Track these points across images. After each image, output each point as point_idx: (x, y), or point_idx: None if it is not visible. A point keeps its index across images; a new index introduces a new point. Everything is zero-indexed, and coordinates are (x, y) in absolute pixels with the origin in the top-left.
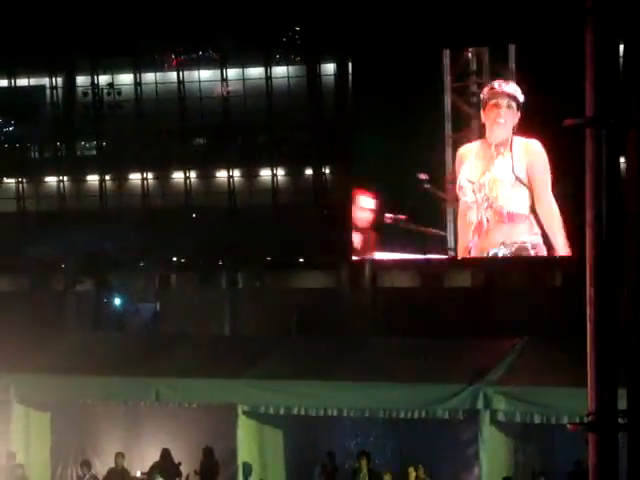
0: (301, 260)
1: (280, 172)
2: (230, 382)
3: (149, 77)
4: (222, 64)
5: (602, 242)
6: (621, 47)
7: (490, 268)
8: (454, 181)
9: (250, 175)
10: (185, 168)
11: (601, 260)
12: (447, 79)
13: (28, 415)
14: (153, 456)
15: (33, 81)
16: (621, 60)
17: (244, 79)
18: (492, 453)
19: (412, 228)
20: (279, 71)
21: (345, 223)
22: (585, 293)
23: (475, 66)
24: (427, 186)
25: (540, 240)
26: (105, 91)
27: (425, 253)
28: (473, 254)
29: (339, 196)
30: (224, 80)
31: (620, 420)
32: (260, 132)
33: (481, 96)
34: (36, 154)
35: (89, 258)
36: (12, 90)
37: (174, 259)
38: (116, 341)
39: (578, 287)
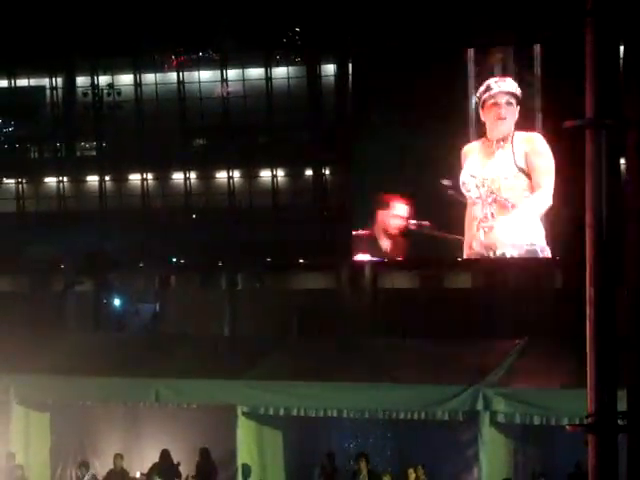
0: (301, 261)
1: (280, 173)
2: (230, 383)
3: (149, 78)
4: (222, 65)
5: (602, 242)
6: (621, 48)
7: (492, 269)
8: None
9: (250, 176)
10: (185, 169)
11: (601, 260)
12: (471, 83)
13: (28, 416)
14: (153, 457)
15: (33, 81)
16: (621, 61)
17: (244, 80)
18: (492, 454)
19: (436, 234)
20: (279, 72)
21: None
22: (585, 294)
23: (500, 70)
24: (451, 192)
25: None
26: (105, 91)
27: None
28: (477, 249)
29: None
30: (224, 81)
31: (620, 422)
32: (260, 133)
33: (478, 95)
34: (36, 154)
35: (89, 258)
36: (12, 90)
37: (174, 260)
38: (116, 342)
39: (578, 288)
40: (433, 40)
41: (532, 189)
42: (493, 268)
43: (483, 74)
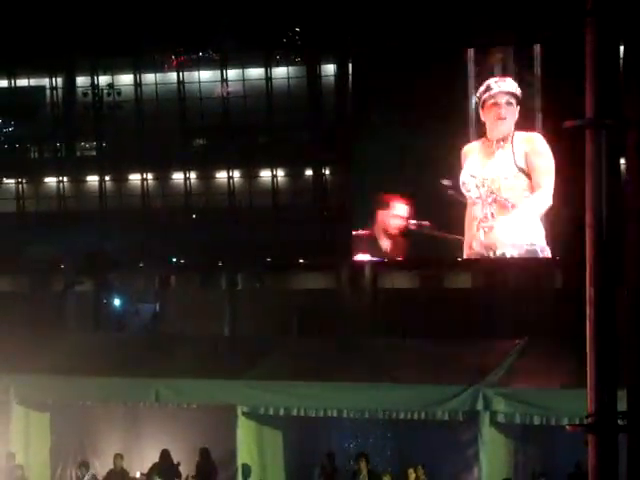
0: (301, 261)
1: (280, 173)
2: (230, 383)
3: (149, 78)
4: (222, 65)
5: (602, 242)
6: (621, 48)
7: (492, 269)
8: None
9: (250, 176)
10: (185, 169)
11: (601, 260)
12: (471, 83)
13: (28, 416)
14: (153, 457)
15: (33, 81)
16: (621, 61)
17: (244, 80)
18: (492, 454)
19: (436, 234)
20: (279, 72)
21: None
22: (585, 294)
23: (500, 70)
24: (451, 192)
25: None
26: (105, 91)
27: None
28: (477, 249)
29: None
30: (224, 81)
31: (620, 421)
32: (260, 133)
33: (478, 95)
34: (36, 154)
35: (89, 258)
36: (12, 90)
37: (174, 260)
38: (116, 342)
39: (578, 288)
40: (433, 40)
41: (532, 189)
42: (493, 268)
43: (483, 74)
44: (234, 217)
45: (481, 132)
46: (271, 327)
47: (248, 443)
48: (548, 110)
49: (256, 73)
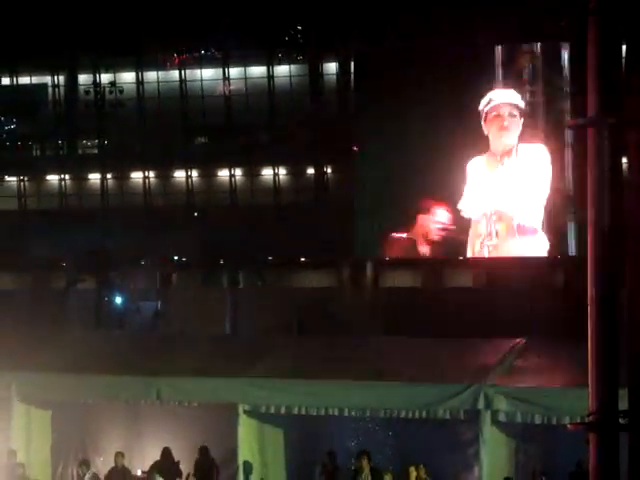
0: (302, 259)
1: (282, 171)
2: (231, 381)
3: (151, 76)
4: (224, 63)
5: (603, 242)
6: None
7: (492, 269)
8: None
9: (252, 174)
10: (187, 167)
11: (602, 260)
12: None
13: (29, 413)
14: (154, 455)
15: (35, 79)
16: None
17: (246, 78)
18: (493, 453)
19: (462, 239)
20: (281, 70)
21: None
22: (586, 293)
23: (530, 75)
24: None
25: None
26: (107, 89)
27: None
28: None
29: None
30: (226, 79)
31: (621, 420)
32: (262, 131)
33: (480, 108)
34: (38, 152)
35: (90, 256)
36: (14, 88)
37: (175, 258)
38: (117, 340)
39: (579, 287)
40: (435, 39)
41: (535, 201)
42: (493, 268)
43: (488, 72)
44: (236, 215)
45: (486, 147)
46: (272, 325)
47: (249, 441)
48: (576, 113)
49: (258, 71)
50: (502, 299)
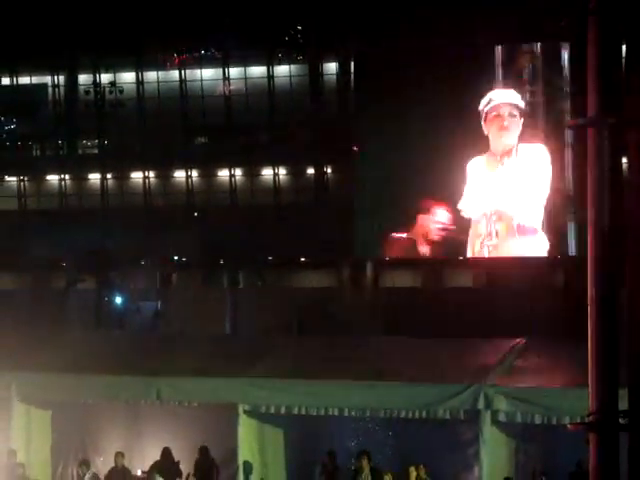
0: (302, 259)
1: (282, 171)
2: (231, 381)
3: (151, 76)
4: (224, 63)
5: (603, 242)
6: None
7: (492, 269)
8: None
9: (252, 174)
10: (187, 167)
11: (602, 260)
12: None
13: (29, 413)
14: (154, 455)
15: (35, 79)
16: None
17: (246, 78)
18: (493, 453)
19: (462, 239)
20: (281, 70)
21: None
22: (586, 293)
23: (530, 75)
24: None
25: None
26: (107, 89)
27: None
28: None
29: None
30: (226, 79)
31: (621, 420)
32: (262, 131)
33: (480, 108)
34: (38, 152)
35: (90, 256)
36: (14, 88)
37: (175, 258)
38: (117, 340)
39: (579, 287)
40: (435, 39)
41: (535, 201)
42: (493, 268)
43: (488, 72)
44: (236, 215)
45: (486, 147)
46: (272, 325)
47: (249, 441)
48: (576, 113)
49: (258, 71)
50: (502, 299)
